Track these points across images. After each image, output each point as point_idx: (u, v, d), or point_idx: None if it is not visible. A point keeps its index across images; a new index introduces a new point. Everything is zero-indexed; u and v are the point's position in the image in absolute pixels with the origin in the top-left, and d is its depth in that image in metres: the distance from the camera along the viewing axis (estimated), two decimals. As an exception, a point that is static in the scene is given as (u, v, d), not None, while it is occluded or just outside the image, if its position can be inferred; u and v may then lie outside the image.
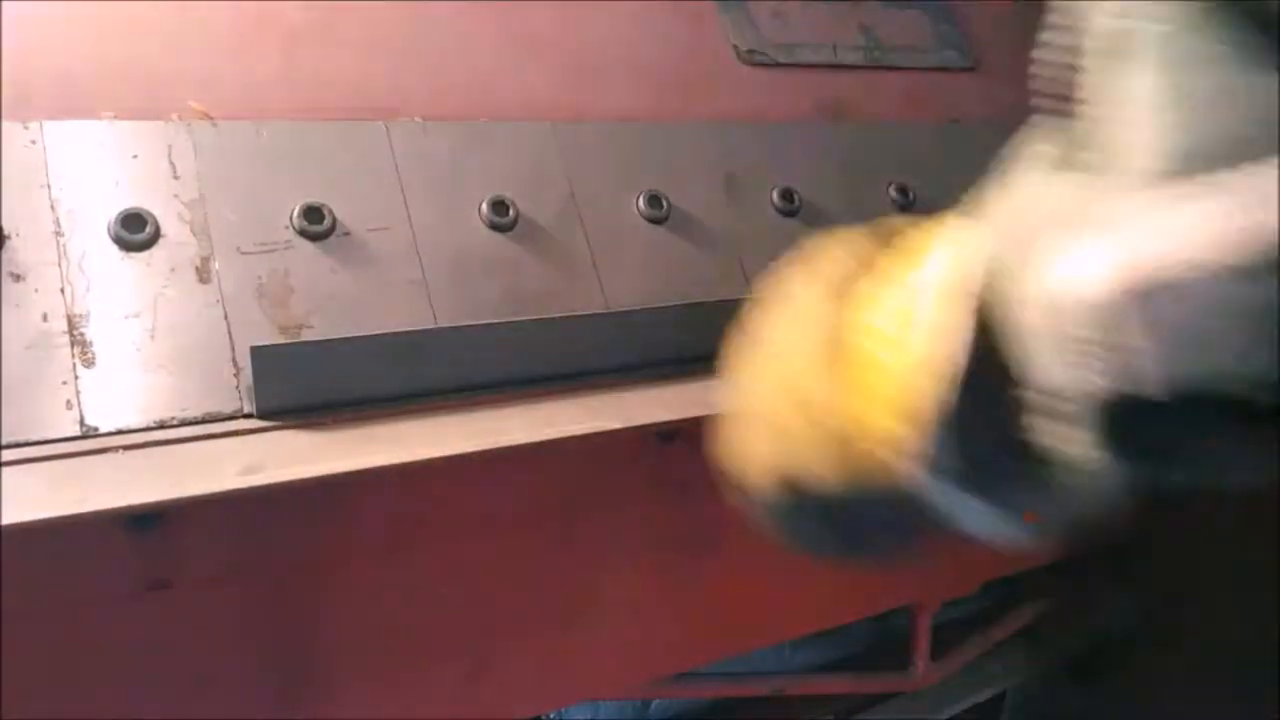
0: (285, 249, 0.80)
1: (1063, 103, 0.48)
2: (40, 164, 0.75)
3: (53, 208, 0.74)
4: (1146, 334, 0.41)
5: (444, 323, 0.83)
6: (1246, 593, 1.20)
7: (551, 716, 1.15)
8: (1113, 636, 1.12)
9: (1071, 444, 0.46)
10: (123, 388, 0.72)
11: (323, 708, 0.79)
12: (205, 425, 0.73)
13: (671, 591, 0.96)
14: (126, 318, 0.74)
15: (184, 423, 0.73)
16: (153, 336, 0.74)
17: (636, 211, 0.96)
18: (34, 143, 0.75)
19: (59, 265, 0.73)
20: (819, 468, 0.57)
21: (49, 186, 0.75)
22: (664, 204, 0.96)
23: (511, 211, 0.89)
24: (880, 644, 1.39)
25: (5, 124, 0.75)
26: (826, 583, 1.08)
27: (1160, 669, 1.23)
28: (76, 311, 0.72)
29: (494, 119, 0.92)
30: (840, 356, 0.56)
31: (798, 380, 0.58)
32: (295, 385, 0.74)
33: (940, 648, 1.32)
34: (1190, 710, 1.14)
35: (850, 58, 1.16)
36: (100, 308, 0.73)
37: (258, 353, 0.72)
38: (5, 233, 0.72)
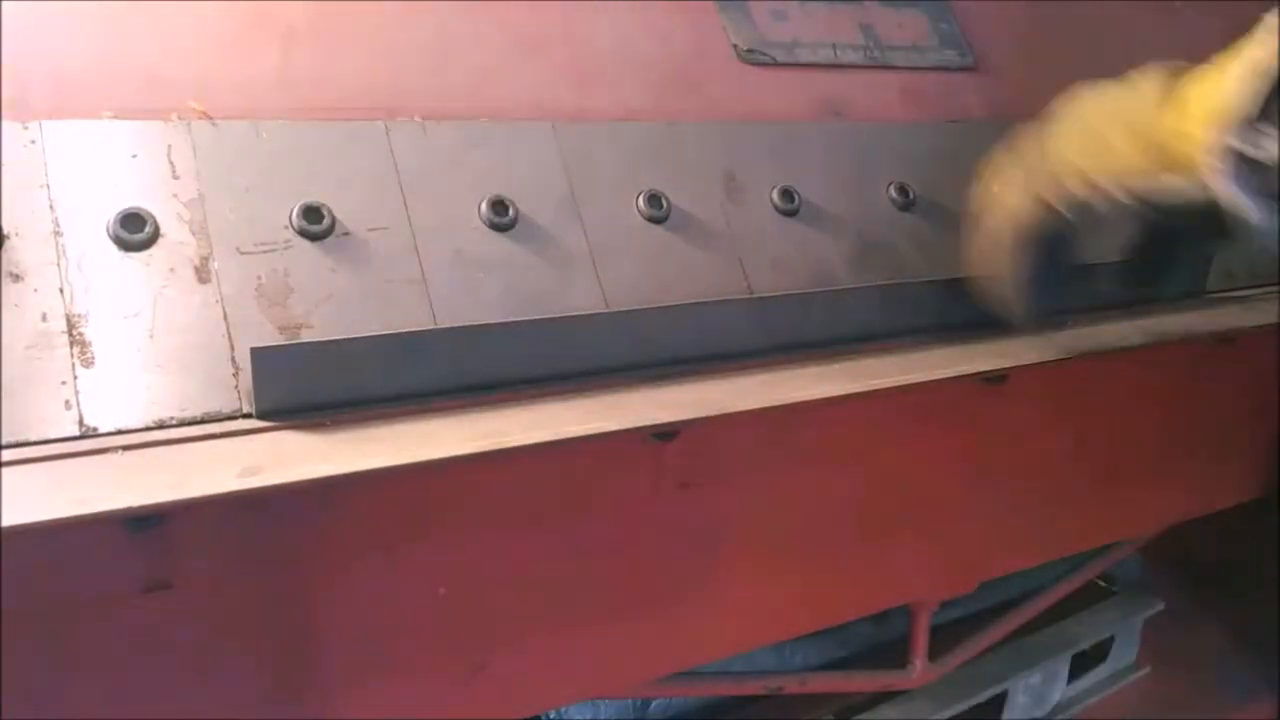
0: (284, 249, 0.80)
1: None
2: (39, 164, 0.75)
3: (52, 207, 0.74)
4: None
5: (443, 323, 0.83)
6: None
7: (551, 716, 1.15)
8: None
9: None
10: (122, 388, 0.72)
11: (322, 708, 0.79)
12: (205, 425, 0.73)
13: (671, 591, 0.96)
14: (126, 318, 0.74)
15: (183, 423, 0.73)
16: (152, 336, 0.74)
17: (636, 211, 0.96)
18: (33, 143, 0.75)
19: (58, 265, 0.73)
20: (1123, 169, 0.85)
21: (48, 186, 0.74)
22: (663, 203, 0.96)
23: (511, 211, 0.89)
24: (879, 644, 1.40)
25: (5, 124, 0.75)
26: (826, 582, 1.08)
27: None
28: (76, 311, 0.72)
29: (493, 118, 0.92)
30: (1166, 102, 0.84)
31: (1130, 108, 0.86)
32: (295, 386, 0.74)
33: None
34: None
35: (850, 57, 1.16)
36: (99, 308, 0.73)
37: (257, 353, 0.72)
38: (5, 232, 0.72)
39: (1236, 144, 0.78)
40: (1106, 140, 0.88)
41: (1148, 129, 0.85)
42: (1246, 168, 0.79)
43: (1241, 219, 0.80)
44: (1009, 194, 0.96)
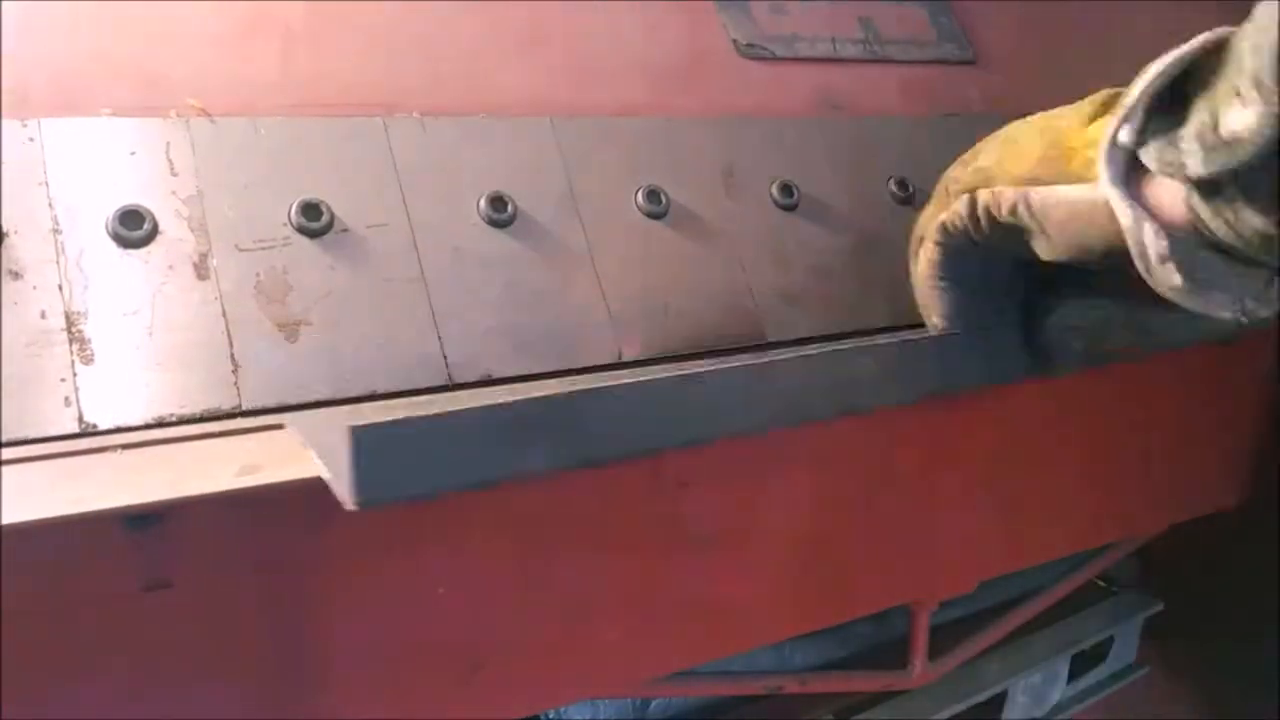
0: (283, 246, 0.80)
1: None
2: (38, 161, 0.74)
3: (51, 205, 0.74)
4: None
5: (442, 319, 0.83)
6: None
7: (551, 716, 1.15)
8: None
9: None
10: (121, 385, 0.72)
11: (322, 707, 0.79)
12: (204, 423, 0.73)
13: (671, 591, 0.95)
14: (125, 315, 0.73)
15: (183, 420, 0.73)
16: (151, 333, 0.74)
17: (635, 207, 0.95)
18: (32, 140, 0.75)
19: (57, 263, 0.73)
20: (1027, 174, 0.78)
21: (47, 184, 0.74)
22: (663, 199, 0.96)
23: (510, 207, 0.89)
24: (879, 644, 1.40)
25: (4, 122, 0.74)
26: (826, 582, 1.08)
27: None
28: (75, 309, 0.72)
29: (492, 114, 0.92)
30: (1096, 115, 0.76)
31: (1059, 119, 0.79)
32: (400, 469, 0.62)
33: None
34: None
35: (849, 51, 1.16)
36: (98, 305, 0.73)
37: (359, 434, 0.59)
38: (3, 230, 0.71)
39: (1124, 138, 0.71)
40: (1020, 145, 0.80)
41: (1062, 136, 0.77)
42: (1136, 173, 0.71)
43: (1139, 248, 0.70)
44: (932, 210, 0.89)
